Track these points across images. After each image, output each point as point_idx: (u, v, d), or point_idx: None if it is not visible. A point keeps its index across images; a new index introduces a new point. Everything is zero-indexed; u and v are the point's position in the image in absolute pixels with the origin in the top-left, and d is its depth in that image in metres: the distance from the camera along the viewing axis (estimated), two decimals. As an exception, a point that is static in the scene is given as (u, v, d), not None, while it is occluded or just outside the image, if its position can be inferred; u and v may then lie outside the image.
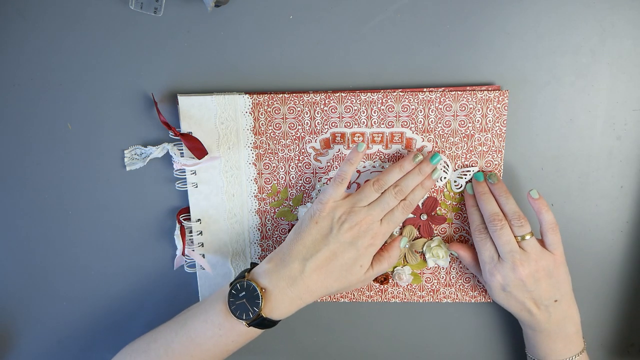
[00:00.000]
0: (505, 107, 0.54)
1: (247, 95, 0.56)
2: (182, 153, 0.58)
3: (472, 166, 0.57)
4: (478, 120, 0.55)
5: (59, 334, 0.67)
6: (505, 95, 0.54)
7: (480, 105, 0.55)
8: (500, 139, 0.55)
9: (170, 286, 0.64)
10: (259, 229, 0.61)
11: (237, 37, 0.56)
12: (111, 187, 0.61)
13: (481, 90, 0.54)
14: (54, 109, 0.59)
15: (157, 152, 0.58)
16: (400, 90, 0.55)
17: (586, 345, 0.56)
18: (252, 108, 0.56)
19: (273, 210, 0.60)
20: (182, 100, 0.56)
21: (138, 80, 0.58)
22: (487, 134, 0.55)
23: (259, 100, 0.56)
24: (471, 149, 0.56)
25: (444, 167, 0.56)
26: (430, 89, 0.55)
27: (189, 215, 0.60)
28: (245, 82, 0.57)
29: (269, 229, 0.61)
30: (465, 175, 0.57)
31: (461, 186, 0.57)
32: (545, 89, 0.55)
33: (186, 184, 0.59)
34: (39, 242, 0.64)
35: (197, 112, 0.57)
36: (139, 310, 0.57)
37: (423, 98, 0.55)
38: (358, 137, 0.57)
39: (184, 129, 0.57)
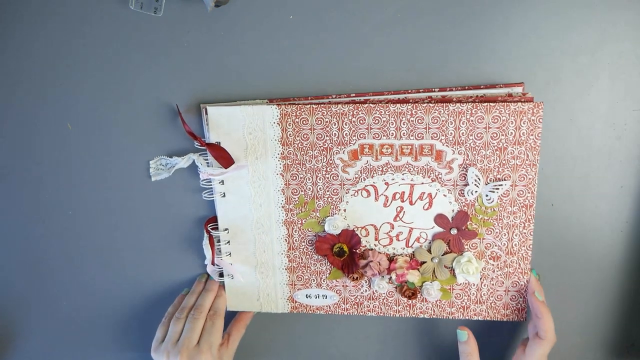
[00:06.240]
0: (540, 120, 0.52)
1: (274, 106, 0.55)
2: (208, 163, 0.58)
3: (505, 180, 0.55)
4: (511, 132, 0.53)
5: (63, 336, 0.67)
6: (540, 107, 0.52)
7: (513, 118, 0.53)
8: (535, 152, 0.53)
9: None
10: (286, 240, 0.60)
11: (237, 37, 0.56)
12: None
13: (514, 102, 0.52)
14: (56, 109, 0.59)
15: (182, 162, 0.59)
16: (429, 101, 0.54)
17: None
18: (279, 119, 0.56)
19: (300, 222, 0.59)
20: (211, 110, 0.56)
21: (137, 80, 0.58)
22: (520, 147, 0.54)
23: (286, 111, 0.55)
24: (504, 162, 0.54)
25: (476, 180, 0.55)
26: (461, 100, 0.54)
27: (216, 225, 0.60)
28: (245, 82, 0.57)
29: (295, 240, 0.60)
30: (498, 189, 0.55)
31: (493, 200, 0.55)
32: (545, 89, 0.55)
33: (212, 194, 0.59)
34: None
35: (225, 123, 0.56)
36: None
37: (454, 110, 0.53)
38: (387, 148, 0.56)
39: (213, 139, 0.57)
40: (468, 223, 0.57)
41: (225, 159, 0.57)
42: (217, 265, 0.62)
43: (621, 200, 0.57)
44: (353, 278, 0.60)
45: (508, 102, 0.53)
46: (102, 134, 0.60)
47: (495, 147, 0.54)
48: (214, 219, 0.61)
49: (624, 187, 0.57)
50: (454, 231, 0.57)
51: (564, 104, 0.55)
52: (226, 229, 0.60)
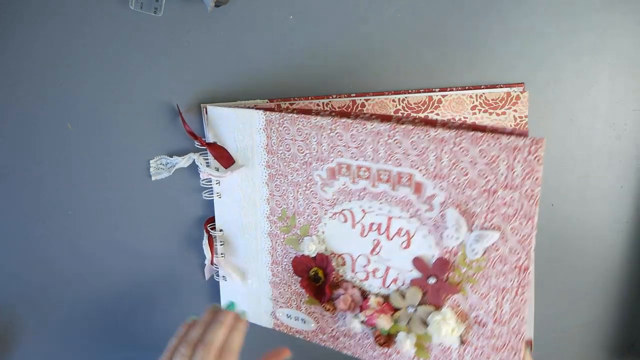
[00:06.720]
0: (540, 160, 0.41)
1: (261, 111, 0.53)
2: (207, 163, 0.58)
3: (494, 230, 0.45)
4: (502, 172, 0.43)
5: (63, 336, 0.67)
6: (539, 145, 0.41)
7: (505, 154, 0.42)
8: (532, 201, 0.42)
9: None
10: (270, 253, 0.58)
11: (237, 37, 0.56)
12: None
13: (506, 134, 0.42)
14: (56, 109, 0.59)
15: (183, 162, 0.59)
16: (412, 120, 0.47)
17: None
18: (265, 125, 0.53)
19: (283, 236, 0.57)
20: (211, 110, 0.56)
21: (137, 80, 0.58)
22: (513, 192, 0.43)
23: (271, 118, 0.53)
24: (493, 208, 0.44)
25: (456, 225, 0.46)
26: (445, 124, 0.45)
27: (215, 225, 0.60)
28: (245, 82, 0.57)
29: (279, 254, 0.57)
30: (483, 239, 0.45)
31: (477, 253, 0.46)
32: (545, 89, 0.55)
33: (212, 194, 0.59)
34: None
35: (221, 123, 0.56)
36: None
37: (435, 136, 0.45)
38: (364, 171, 0.49)
39: (211, 138, 0.57)
40: (450, 274, 0.48)
41: (225, 159, 0.57)
42: (216, 265, 0.62)
43: (621, 200, 0.57)
44: (325, 308, 0.55)
45: (499, 133, 0.43)
46: (102, 134, 0.60)
47: (483, 188, 0.44)
48: (214, 219, 0.61)
49: (624, 187, 0.57)
50: (431, 280, 0.49)
51: (564, 104, 0.55)
52: (221, 230, 0.60)
